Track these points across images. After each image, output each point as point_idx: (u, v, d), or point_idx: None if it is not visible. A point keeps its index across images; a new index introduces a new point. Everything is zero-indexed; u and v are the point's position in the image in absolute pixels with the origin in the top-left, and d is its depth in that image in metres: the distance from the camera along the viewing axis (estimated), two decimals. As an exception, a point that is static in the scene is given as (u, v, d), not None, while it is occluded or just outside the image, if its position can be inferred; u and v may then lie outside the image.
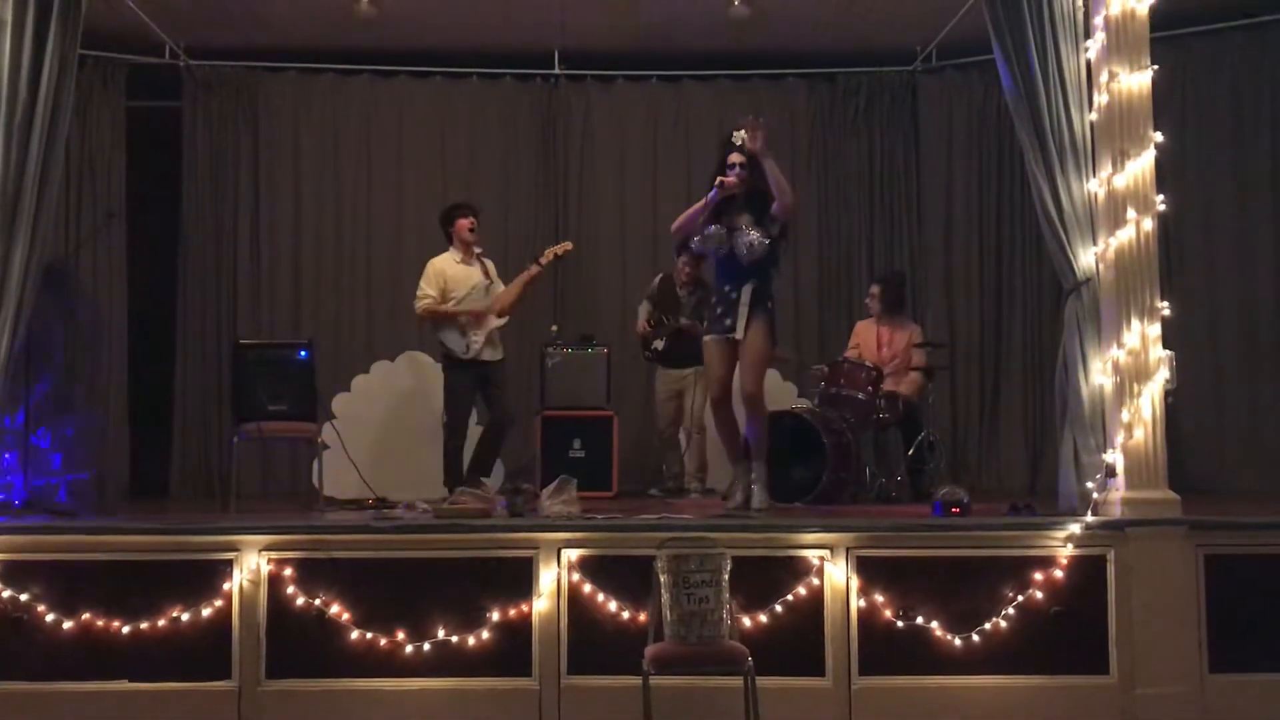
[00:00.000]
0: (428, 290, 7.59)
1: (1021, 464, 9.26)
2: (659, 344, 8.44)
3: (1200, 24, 8.68)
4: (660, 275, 8.62)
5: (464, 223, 7.70)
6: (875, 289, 8.49)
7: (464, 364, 7.49)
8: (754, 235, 6.25)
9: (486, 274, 7.74)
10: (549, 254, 7.80)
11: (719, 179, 6.38)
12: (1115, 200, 5.64)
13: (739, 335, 6.32)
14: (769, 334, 6.40)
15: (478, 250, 7.77)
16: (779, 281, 6.72)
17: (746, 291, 6.33)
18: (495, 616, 5.35)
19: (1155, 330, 5.57)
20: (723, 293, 6.44)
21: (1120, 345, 5.57)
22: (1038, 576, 5.38)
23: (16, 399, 7.07)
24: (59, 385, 8.57)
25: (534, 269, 7.75)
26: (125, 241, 9.10)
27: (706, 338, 6.55)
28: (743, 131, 6.41)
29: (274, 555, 5.39)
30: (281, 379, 7.11)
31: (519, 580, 5.39)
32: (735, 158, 6.39)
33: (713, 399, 6.54)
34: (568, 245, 7.91)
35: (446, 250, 7.76)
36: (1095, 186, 5.80)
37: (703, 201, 6.40)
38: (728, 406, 6.49)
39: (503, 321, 7.63)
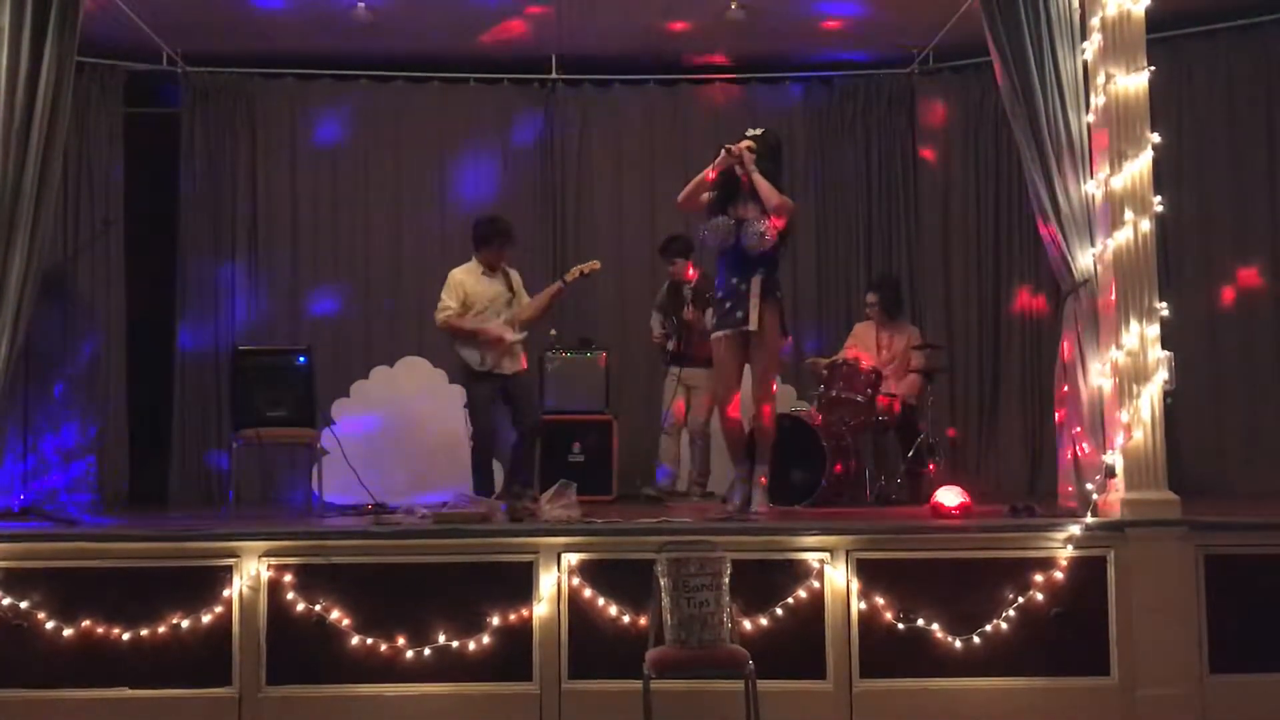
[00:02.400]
0: (449, 302, 7.37)
1: (1021, 465, 9.26)
2: (671, 344, 8.41)
3: (1197, 25, 8.68)
4: (667, 283, 8.61)
5: (501, 251, 7.48)
6: (872, 297, 8.49)
7: (480, 375, 7.35)
8: (763, 225, 6.18)
9: (510, 286, 7.54)
10: (575, 272, 7.60)
11: (725, 146, 6.32)
12: (1113, 201, 5.64)
13: (752, 327, 6.22)
14: (781, 325, 6.36)
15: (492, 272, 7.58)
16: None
17: (756, 282, 6.23)
18: (495, 621, 5.35)
19: (1154, 331, 5.57)
20: (730, 285, 6.32)
21: (1119, 346, 5.58)
22: (1038, 578, 5.38)
23: (15, 405, 7.07)
24: (57, 392, 8.57)
25: (559, 286, 7.59)
26: (123, 248, 9.10)
27: (716, 334, 6.44)
28: (758, 129, 6.43)
29: (274, 561, 5.39)
30: (280, 385, 7.11)
31: (519, 585, 5.39)
32: (746, 143, 6.34)
33: (720, 400, 6.51)
34: (595, 265, 7.72)
35: (469, 260, 7.55)
36: (1093, 188, 5.80)
37: (709, 169, 6.33)
38: (736, 408, 6.45)
39: (521, 337, 7.45)
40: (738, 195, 6.35)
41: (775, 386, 6.58)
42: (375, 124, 9.68)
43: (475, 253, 7.55)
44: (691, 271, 8.30)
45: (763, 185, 6.25)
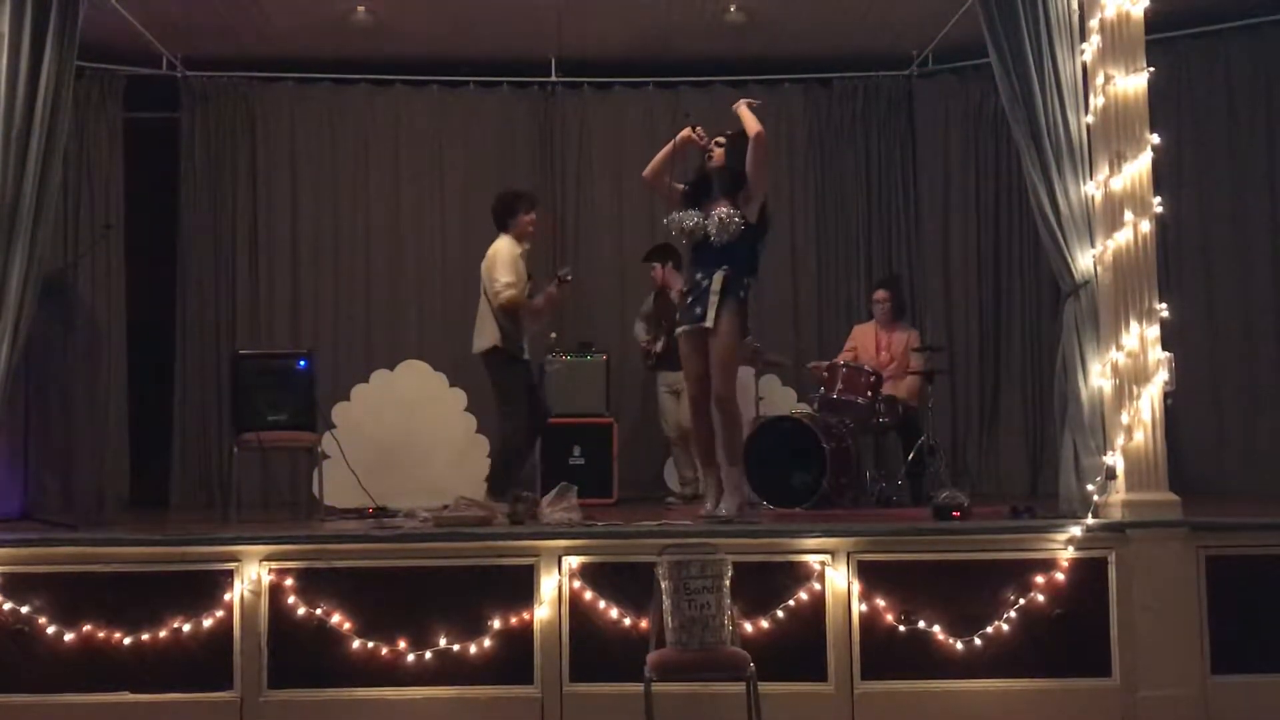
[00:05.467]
0: (512, 279, 6.83)
1: (1021, 467, 9.26)
2: (657, 347, 8.45)
3: (1196, 26, 8.68)
4: (654, 293, 8.64)
5: (527, 219, 7.06)
6: (883, 294, 8.46)
7: (520, 360, 7.00)
8: (723, 210, 6.04)
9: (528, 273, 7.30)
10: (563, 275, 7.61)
11: (693, 124, 6.27)
12: (1112, 203, 5.64)
13: (708, 324, 6.06)
14: (740, 325, 6.13)
15: (526, 246, 7.22)
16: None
17: (718, 278, 6.07)
18: (497, 624, 5.35)
19: (1154, 332, 5.57)
20: (694, 281, 6.20)
21: (1119, 347, 5.57)
22: (1039, 579, 5.38)
23: (16, 410, 7.06)
24: (58, 397, 8.57)
25: (555, 288, 7.56)
26: (124, 252, 9.11)
27: (678, 330, 6.33)
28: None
29: (275, 565, 5.39)
30: (281, 389, 7.11)
31: (520, 588, 5.39)
32: (720, 140, 6.29)
33: (690, 396, 6.35)
34: (566, 276, 7.54)
35: (504, 238, 7.03)
36: (1092, 189, 5.80)
37: (670, 144, 6.30)
38: (706, 405, 6.27)
39: (536, 329, 7.40)
40: (708, 191, 6.26)
41: (733, 380, 6.25)
42: (375, 128, 9.69)
43: (507, 229, 7.05)
44: (664, 275, 8.40)
45: (746, 116, 6.16)
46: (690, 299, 6.22)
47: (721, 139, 6.30)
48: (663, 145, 9.47)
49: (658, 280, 8.54)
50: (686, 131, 6.29)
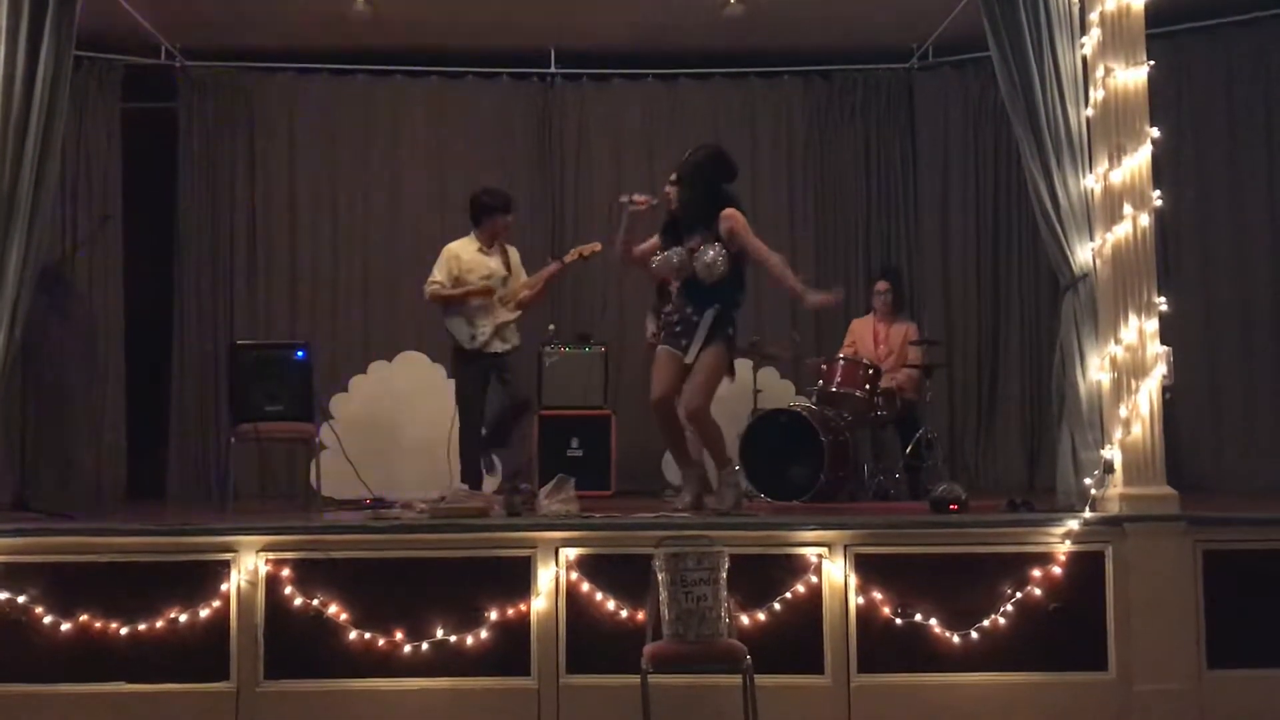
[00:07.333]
0: (437, 276, 7.30)
1: (1019, 460, 9.26)
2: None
3: (1197, 20, 8.68)
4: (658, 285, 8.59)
5: (501, 221, 7.40)
6: (884, 285, 8.46)
7: (470, 355, 7.25)
8: (712, 252, 6.04)
9: (507, 264, 7.44)
10: (574, 253, 7.56)
11: (630, 196, 6.30)
12: (1112, 196, 5.63)
13: (689, 360, 6.09)
14: (724, 359, 6.15)
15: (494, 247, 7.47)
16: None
17: (709, 316, 6.09)
18: (493, 616, 5.34)
19: (1153, 326, 5.56)
20: (684, 313, 6.18)
21: (1118, 341, 5.57)
22: (1036, 573, 5.38)
23: (13, 400, 7.07)
24: (56, 387, 8.57)
25: (556, 266, 7.52)
26: (121, 243, 9.10)
27: (659, 347, 6.32)
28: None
29: (272, 556, 5.38)
30: (279, 380, 7.10)
31: (517, 579, 5.38)
32: (672, 179, 6.24)
33: (654, 398, 6.26)
34: (596, 247, 7.66)
35: (467, 235, 7.45)
36: (1092, 182, 5.79)
37: (621, 228, 6.32)
38: (670, 408, 6.26)
39: (515, 316, 7.38)
40: (678, 227, 6.23)
41: (707, 402, 6.17)
42: (373, 118, 9.67)
43: (474, 227, 7.44)
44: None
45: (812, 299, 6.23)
46: (679, 326, 6.20)
47: (673, 176, 6.24)
48: (659, 139, 9.62)
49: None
50: (631, 208, 6.27)
